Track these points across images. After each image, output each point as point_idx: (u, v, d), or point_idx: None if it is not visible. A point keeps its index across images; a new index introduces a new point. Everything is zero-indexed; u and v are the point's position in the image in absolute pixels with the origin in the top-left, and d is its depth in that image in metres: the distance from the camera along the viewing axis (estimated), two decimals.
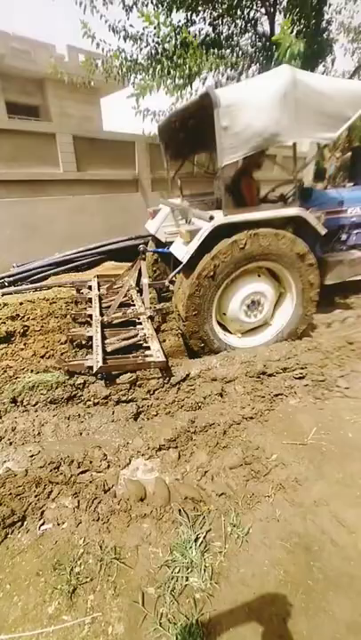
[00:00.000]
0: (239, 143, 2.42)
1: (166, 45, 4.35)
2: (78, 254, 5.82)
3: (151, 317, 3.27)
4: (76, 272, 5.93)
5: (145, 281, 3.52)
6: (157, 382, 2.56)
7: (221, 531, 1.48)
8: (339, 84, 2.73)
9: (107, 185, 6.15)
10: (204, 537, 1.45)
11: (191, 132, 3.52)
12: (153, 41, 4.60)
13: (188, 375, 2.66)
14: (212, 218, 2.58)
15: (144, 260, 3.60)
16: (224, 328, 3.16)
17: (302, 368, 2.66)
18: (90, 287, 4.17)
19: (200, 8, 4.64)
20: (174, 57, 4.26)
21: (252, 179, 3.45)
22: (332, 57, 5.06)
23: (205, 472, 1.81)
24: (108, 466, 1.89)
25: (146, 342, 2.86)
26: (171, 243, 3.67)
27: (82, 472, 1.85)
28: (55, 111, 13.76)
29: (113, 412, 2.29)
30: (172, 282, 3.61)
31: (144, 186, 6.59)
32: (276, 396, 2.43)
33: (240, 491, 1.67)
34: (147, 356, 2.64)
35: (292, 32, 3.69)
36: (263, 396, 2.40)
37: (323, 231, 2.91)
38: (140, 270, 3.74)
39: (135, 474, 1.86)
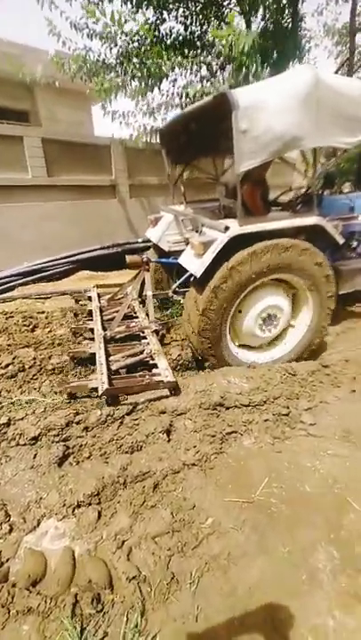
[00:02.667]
0: (259, 148, 2.24)
1: (128, 44, 4.10)
2: (49, 264, 5.54)
3: (157, 331, 3.09)
4: (48, 282, 5.65)
5: (149, 293, 3.31)
6: (98, 417, 2.24)
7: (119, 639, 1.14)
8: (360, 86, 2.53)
9: (81, 191, 5.88)
10: None
11: (197, 135, 3.36)
12: (121, 39, 4.37)
13: (135, 407, 2.34)
14: (227, 228, 2.39)
15: (148, 270, 3.38)
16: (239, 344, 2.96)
17: (270, 402, 2.33)
18: (89, 298, 4.01)
19: (171, 6, 4.41)
20: (136, 56, 4.01)
21: (259, 185, 3.22)
22: (304, 57, 4.80)
23: (123, 542, 1.47)
24: (11, 530, 1.56)
25: (152, 359, 2.69)
26: (175, 252, 3.57)
27: None
28: (45, 116, 13.59)
29: (35, 455, 1.96)
30: (175, 292, 3.48)
31: (122, 192, 6.33)
32: (230, 434, 2.10)
33: (158, 572, 1.34)
34: (154, 375, 2.48)
35: (263, 32, 3.47)
36: (214, 435, 2.07)
37: (341, 240, 2.78)
38: (143, 281, 3.49)
39: (41, 541, 1.53)
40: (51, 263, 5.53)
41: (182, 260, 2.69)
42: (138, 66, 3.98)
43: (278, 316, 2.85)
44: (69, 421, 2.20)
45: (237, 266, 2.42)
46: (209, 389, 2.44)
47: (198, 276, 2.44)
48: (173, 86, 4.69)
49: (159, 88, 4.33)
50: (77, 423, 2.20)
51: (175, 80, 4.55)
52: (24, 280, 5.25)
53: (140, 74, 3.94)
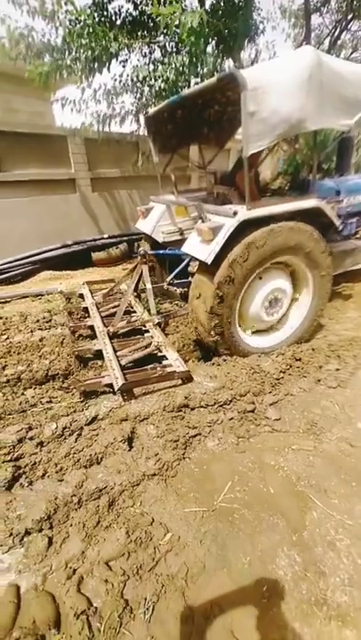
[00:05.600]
0: (266, 130, 2.21)
1: (73, 24, 3.79)
2: (7, 265, 5.20)
3: (159, 324, 3.08)
4: (7, 285, 5.31)
5: (149, 285, 3.21)
6: (54, 431, 2.08)
7: None
8: (358, 69, 2.59)
9: (38, 186, 5.53)
10: None
11: (189, 121, 3.28)
12: (66, 18, 4.04)
13: (95, 417, 2.20)
14: (235, 213, 2.36)
15: (145, 263, 3.26)
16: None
17: (236, 400, 2.26)
18: (81, 296, 3.95)
19: None
20: (80, 37, 3.73)
21: (254, 172, 3.29)
22: (259, 37, 4.66)
23: (74, 570, 1.36)
24: None
25: (160, 351, 2.71)
26: (169, 243, 3.51)
27: None
28: (1, 106, 12.76)
29: None
30: (170, 284, 3.44)
31: (82, 186, 6.02)
32: (193, 437, 2.01)
33: (110, 602, 1.23)
34: (165, 366, 2.49)
35: (214, 11, 3.30)
36: (177, 440, 1.97)
37: (338, 222, 2.84)
38: (140, 274, 3.35)
39: None
40: (10, 264, 5.20)
41: (187, 248, 2.62)
42: (83, 46, 3.70)
43: (282, 298, 2.89)
44: (22, 437, 2.04)
45: (247, 249, 2.39)
46: (173, 391, 2.35)
47: (209, 262, 2.37)
48: (124, 67, 4.42)
49: (108, 70, 4.06)
50: (31, 439, 2.04)
51: (126, 61, 4.29)
52: None
53: (84, 55, 3.66)
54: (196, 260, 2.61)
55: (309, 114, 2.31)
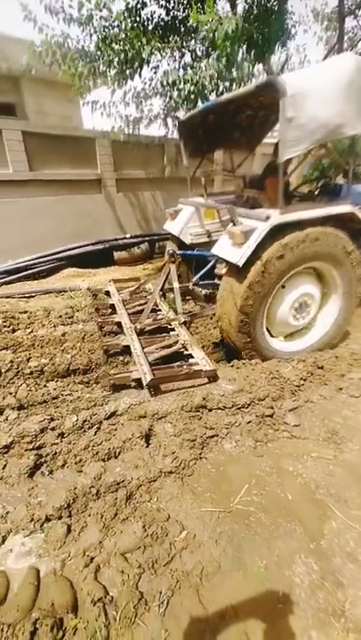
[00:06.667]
0: (303, 135, 2.22)
1: (107, 30, 3.90)
2: (34, 261, 5.39)
3: (185, 323, 3.12)
4: (34, 280, 5.51)
5: (176, 285, 3.28)
6: (74, 423, 2.14)
7: None
8: None
9: (66, 185, 5.71)
10: None
11: (221, 127, 3.36)
12: (100, 24, 4.17)
13: (114, 412, 2.24)
14: (268, 217, 2.38)
15: (174, 262, 3.33)
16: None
17: (254, 404, 2.25)
18: (107, 293, 4.09)
19: None
20: (115, 42, 3.83)
21: (285, 176, 3.26)
22: (290, 41, 4.66)
23: (92, 559, 1.39)
24: None
25: (186, 350, 2.75)
26: (197, 244, 3.59)
27: None
28: (32, 109, 13.23)
29: (5, 466, 1.86)
30: (196, 284, 3.49)
31: (108, 186, 6.15)
32: (211, 438, 2.02)
33: (126, 593, 1.25)
34: (192, 364, 2.52)
35: (247, 16, 3.32)
36: (194, 439, 1.98)
37: None
38: (168, 273, 3.43)
39: (5, 559, 1.44)
40: (36, 260, 5.38)
41: (218, 251, 2.63)
42: (116, 51, 3.81)
43: (310, 303, 2.89)
44: (44, 427, 2.11)
45: (277, 253, 2.39)
46: (191, 391, 2.36)
47: (241, 265, 2.38)
48: (155, 74, 4.53)
49: (140, 75, 4.16)
50: (52, 429, 2.11)
51: (157, 67, 4.38)
52: (8, 278, 5.11)
53: (117, 59, 3.77)
54: (224, 262, 2.62)
55: (348, 119, 2.29)
